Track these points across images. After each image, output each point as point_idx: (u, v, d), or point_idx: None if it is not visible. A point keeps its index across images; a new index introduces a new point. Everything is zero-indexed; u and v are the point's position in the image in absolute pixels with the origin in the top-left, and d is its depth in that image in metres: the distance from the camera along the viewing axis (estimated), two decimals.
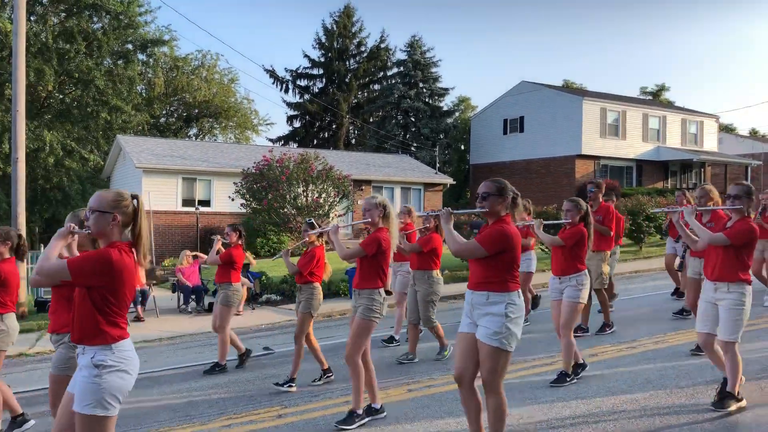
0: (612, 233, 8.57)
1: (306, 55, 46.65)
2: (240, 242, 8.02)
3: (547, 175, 33.65)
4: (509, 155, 35.87)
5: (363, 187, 28.78)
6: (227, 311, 7.78)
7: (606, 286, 8.49)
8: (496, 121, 37.08)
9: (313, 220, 6.85)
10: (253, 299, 13.43)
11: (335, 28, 46.10)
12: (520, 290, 4.21)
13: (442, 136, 43.04)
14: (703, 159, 34.41)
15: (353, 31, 46.67)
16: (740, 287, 4.98)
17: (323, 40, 46.41)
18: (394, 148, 40.38)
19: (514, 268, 4.18)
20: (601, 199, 8.75)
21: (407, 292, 8.02)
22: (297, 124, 46.90)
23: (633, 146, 34.04)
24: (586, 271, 6.34)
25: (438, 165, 36.68)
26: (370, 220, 5.52)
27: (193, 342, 10.39)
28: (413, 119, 43.05)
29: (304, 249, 7.02)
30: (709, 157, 34.86)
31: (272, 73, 45.92)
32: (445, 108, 45.20)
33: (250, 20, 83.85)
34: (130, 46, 35.14)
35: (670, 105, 42.48)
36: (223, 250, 8.04)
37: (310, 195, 20.42)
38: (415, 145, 41.69)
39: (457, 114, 47.85)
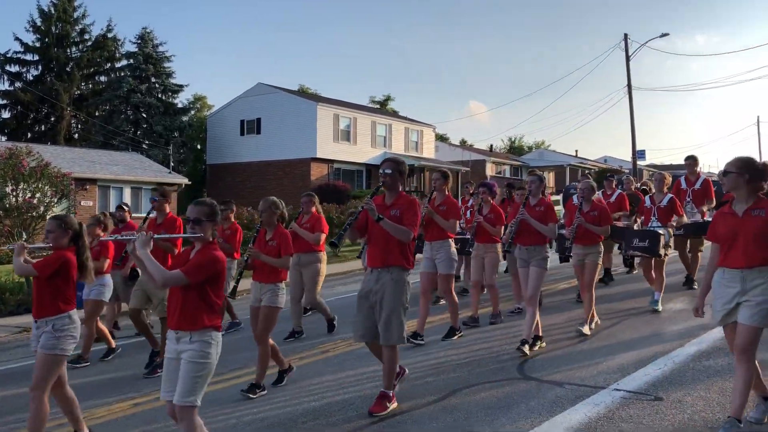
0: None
1: (18, 38, 41.74)
2: None
3: (284, 177, 34.30)
4: (247, 156, 35.85)
5: (87, 187, 26.51)
6: None
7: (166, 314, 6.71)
8: (234, 122, 36.81)
9: None
10: None
11: (53, 12, 41.78)
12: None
13: (176, 135, 41.41)
14: (423, 165, 37.97)
15: (75, 16, 42.75)
16: (204, 335, 3.83)
17: (39, 24, 41.78)
18: (124, 145, 37.84)
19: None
20: (168, 210, 7.28)
21: None
22: (6, 114, 41.84)
23: (363, 151, 36.28)
24: (72, 313, 4.70)
25: (172, 164, 35.26)
26: None
27: None
28: (145, 115, 40.79)
29: None
30: (427, 163, 38.55)
31: None
32: (179, 105, 43.69)
33: None
34: None
35: (395, 114, 46.10)
36: None
37: (21, 195, 18.25)
38: (147, 142, 39.54)
39: (192, 112, 46.44)
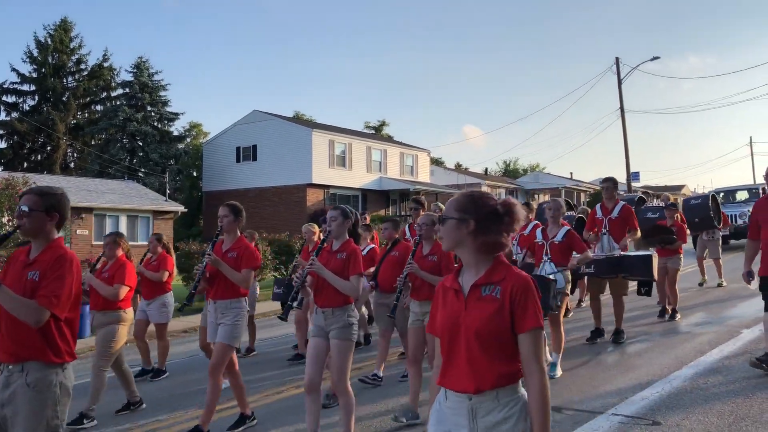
0: None
1: (14, 69, 42.11)
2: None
3: (280, 203, 34.37)
4: (243, 183, 35.94)
5: (83, 216, 26.51)
6: None
7: None
8: (229, 149, 36.96)
9: None
10: None
11: (50, 42, 42.18)
12: None
13: (172, 162, 41.56)
14: (418, 188, 38.06)
15: (72, 46, 43.16)
16: None
17: (35, 54, 42.18)
18: (120, 173, 37.94)
19: None
20: None
21: None
22: (2, 144, 42.04)
23: (359, 176, 36.42)
24: None
25: (168, 192, 35.30)
26: None
27: None
28: (141, 143, 40.98)
29: None
30: (423, 187, 38.68)
31: None
32: (175, 133, 43.90)
33: None
34: None
35: (390, 139, 46.34)
36: None
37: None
38: (143, 170, 39.66)
39: (188, 140, 46.64)
